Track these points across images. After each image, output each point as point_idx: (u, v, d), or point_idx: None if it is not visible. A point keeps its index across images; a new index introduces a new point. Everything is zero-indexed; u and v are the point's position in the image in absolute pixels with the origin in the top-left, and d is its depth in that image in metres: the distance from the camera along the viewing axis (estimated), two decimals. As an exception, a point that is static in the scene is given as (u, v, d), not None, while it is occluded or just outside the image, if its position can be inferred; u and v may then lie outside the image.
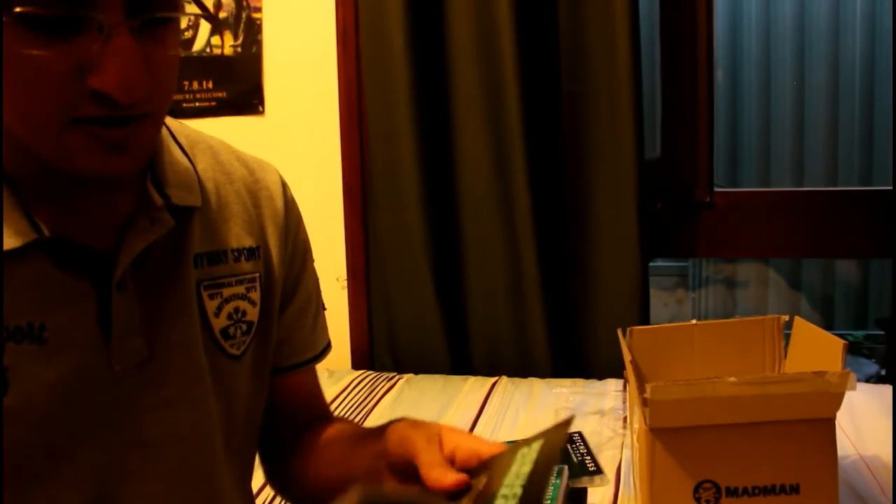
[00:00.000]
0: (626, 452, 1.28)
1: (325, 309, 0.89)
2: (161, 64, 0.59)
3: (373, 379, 1.79)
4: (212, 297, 0.72)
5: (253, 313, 0.76)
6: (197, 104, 1.97)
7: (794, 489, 0.93)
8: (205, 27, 1.95)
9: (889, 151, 3.79)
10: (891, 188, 1.76)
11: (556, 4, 1.74)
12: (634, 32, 1.68)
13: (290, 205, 0.82)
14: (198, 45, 1.94)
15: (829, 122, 3.98)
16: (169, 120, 0.73)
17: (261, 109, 1.97)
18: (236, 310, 0.74)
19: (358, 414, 1.58)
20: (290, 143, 1.96)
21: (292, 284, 0.82)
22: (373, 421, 1.53)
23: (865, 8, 3.91)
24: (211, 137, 0.79)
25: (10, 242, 0.60)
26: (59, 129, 0.57)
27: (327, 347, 0.89)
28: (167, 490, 0.70)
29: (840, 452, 0.95)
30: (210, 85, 1.97)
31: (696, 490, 0.94)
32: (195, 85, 1.96)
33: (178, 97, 1.94)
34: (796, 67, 4.00)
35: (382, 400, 1.64)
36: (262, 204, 0.79)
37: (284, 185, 0.82)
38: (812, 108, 4.00)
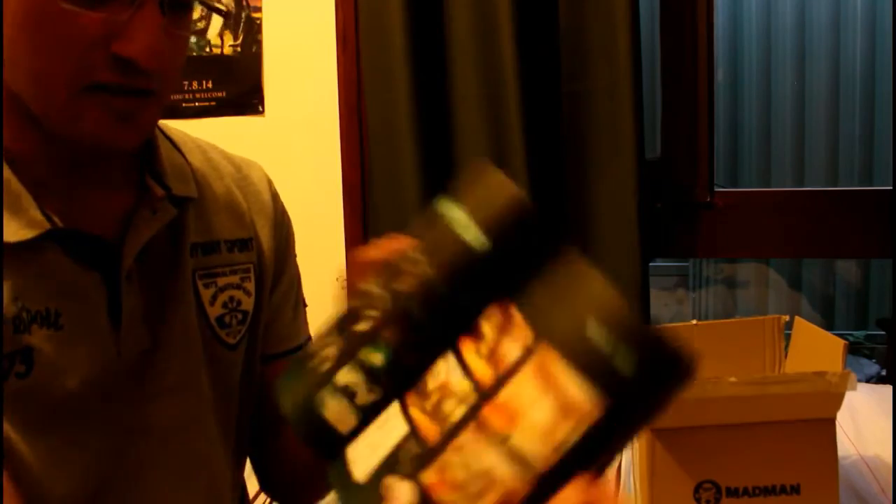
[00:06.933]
0: (626, 452, 1.27)
1: (306, 305, 0.91)
2: (176, 44, 0.63)
3: (373, 379, 1.79)
4: (206, 286, 0.74)
5: (248, 303, 0.77)
6: (196, 104, 1.97)
7: (795, 489, 0.93)
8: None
9: (889, 151, 3.79)
10: (891, 188, 1.76)
11: (556, 4, 1.74)
12: (634, 32, 1.68)
13: (276, 198, 0.85)
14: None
15: (830, 122, 3.98)
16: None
17: (261, 109, 1.97)
18: (231, 299, 0.76)
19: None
20: (290, 143, 1.96)
21: (278, 272, 0.84)
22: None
23: (866, 7, 3.90)
24: (198, 138, 0.82)
25: (24, 233, 0.61)
26: (71, 92, 0.59)
27: (308, 341, 0.90)
28: (169, 477, 0.71)
29: (840, 452, 0.95)
30: (210, 85, 1.97)
31: (696, 490, 0.94)
32: (195, 85, 1.96)
33: (178, 97, 1.94)
34: (796, 67, 4.00)
35: (382, 400, 1.64)
36: (250, 199, 0.81)
37: (269, 181, 0.86)
38: (812, 108, 4.00)
